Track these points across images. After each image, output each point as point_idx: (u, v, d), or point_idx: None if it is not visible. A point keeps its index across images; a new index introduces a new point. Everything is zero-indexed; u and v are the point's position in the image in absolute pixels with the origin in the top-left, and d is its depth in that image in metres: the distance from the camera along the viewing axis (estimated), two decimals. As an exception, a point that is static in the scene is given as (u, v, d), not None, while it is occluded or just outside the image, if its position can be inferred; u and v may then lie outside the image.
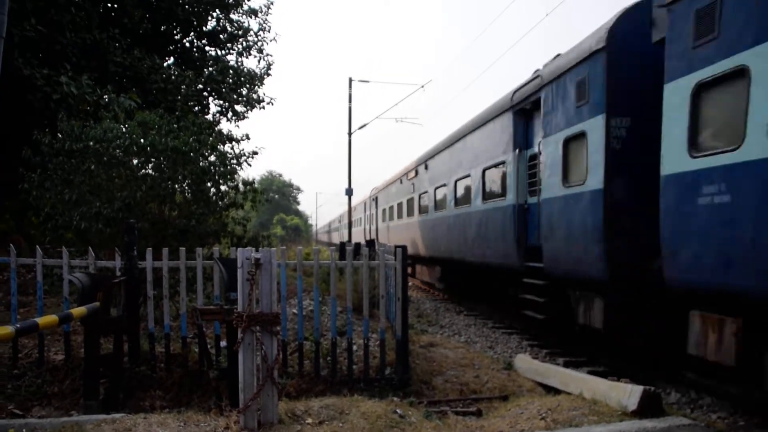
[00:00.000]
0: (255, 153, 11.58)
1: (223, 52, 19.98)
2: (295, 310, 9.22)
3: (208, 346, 6.97)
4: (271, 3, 20.48)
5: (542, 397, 6.24)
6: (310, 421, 4.85)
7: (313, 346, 7.10)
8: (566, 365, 8.19)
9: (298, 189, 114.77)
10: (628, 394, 5.33)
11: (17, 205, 14.33)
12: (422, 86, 26.04)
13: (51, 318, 4.97)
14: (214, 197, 9.90)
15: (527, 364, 7.62)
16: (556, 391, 6.53)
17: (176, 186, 9.36)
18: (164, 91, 15.89)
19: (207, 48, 19.75)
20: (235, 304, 4.84)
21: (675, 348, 6.78)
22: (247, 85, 19.74)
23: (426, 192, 17.81)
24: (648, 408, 5.15)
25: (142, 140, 8.92)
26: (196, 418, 4.85)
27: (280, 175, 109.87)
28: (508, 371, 7.61)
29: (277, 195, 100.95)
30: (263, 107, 20.42)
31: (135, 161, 9.33)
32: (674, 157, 6.09)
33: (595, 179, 7.74)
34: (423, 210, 18.28)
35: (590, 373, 7.29)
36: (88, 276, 6.12)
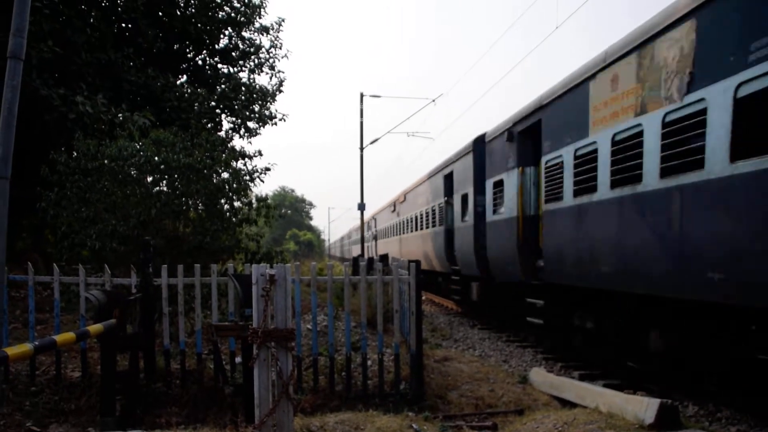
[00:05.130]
0: (268, 169, 11.68)
1: (236, 69, 20.14)
2: (309, 326, 9.24)
3: (224, 363, 7.00)
4: (283, 20, 20.68)
5: (558, 410, 6.20)
6: (325, 436, 4.86)
7: (327, 361, 7.10)
8: (581, 378, 8.13)
9: (311, 204, 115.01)
10: (644, 407, 5.29)
11: (34, 223, 14.50)
12: (433, 100, 26.13)
13: (68, 335, 5.03)
14: (227, 213, 9.97)
15: (542, 377, 7.59)
16: (571, 405, 6.49)
17: (190, 203, 9.45)
18: (178, 108, 16.03)
19: (219, 66, 19.93)
20: (250, 320, 4.87)
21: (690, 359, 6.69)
22: (260, 102, 19.86)
23: None
24: (665, 421, 5.10)
25: (156, 158, 9.03)
26: (212, 435, 4.87)
27: (293, 191, 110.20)
28: (523, 385, 7.58)
29: (290, 210, 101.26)
30: (275, 123, 20.52)
31: (149, 179, 9.44)
32: None
33: None
34: None
35: (606, 386, 7.24)
36: (104, 293, 6.18)
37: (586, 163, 8.25)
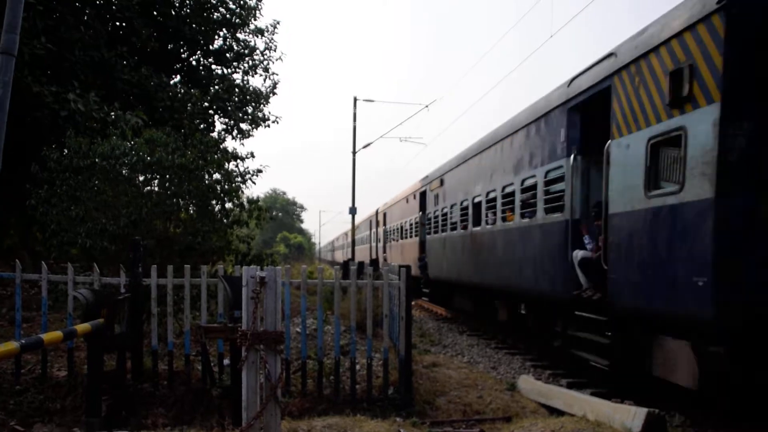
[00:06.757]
0: (259, 171, 11.66)
1: (230, 70, 20.11)
2: (298, 329, 9.21)
3: (212, 364, 6.97)
4: (278, 23, 20.69)
5: (546, 418, 6.21)
6: (312, 440, 4.84)
7: (316, 365, 7.08)
8: (569, 386, 8.14)
9: (302, 207, 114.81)
10: (632, 416, 5.31)
11: (23, 220, 14.39)
12: (426, 106, 26.16)
13: (55, 334, 5.00)
14: (218, 215, 9.94)
15: (530, 385, 7.59)
16: (559, 413, 6.50)
17: (181, 203, 9.41)
18: (171, 108, 15.98)
19: (213, 66, 19.89)
20: (239, 322, 4.85)
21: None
22: (253, 104, 19.86)
23: None
24: (653, 430, 5.12)
25: (148, 157, 9.00)
26: (198, 437, 4.84)
27: (284, 193, 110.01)
28: (512, 392, 7.58)
29: (281, 213, 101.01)
30: (268, 125, 20.52)
31: (141, 178, 9.40)
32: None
33: None
34: None
35: (593, 394, 7.25)
36: (92, 292, 6.13)
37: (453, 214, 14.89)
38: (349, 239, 38.81)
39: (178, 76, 19.20)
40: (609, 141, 7.41)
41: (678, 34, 6.06)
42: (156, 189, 9.43)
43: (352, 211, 28.99)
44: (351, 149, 28.28)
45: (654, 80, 6.47)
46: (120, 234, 8.62)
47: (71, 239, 8.71)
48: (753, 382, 5.73)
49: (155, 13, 17.03)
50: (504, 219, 10.93)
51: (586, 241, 8.26)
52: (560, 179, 8.61)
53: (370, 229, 30.65)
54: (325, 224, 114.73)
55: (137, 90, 15.40)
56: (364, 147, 28.76)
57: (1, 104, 6.01)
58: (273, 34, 20.64)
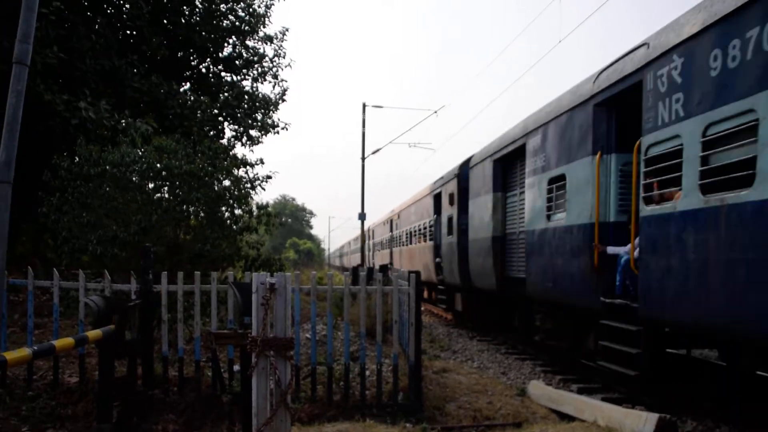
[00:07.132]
0: (269, 177, 11.70)
1: (239, 77, 20.20)
2: (308, 335, 9.22)
3: (222, 370, 6.98)
4: (287, 30, 20.78)
5: (556, 424, 6.18)
6: (322, 446, 4.84)
7: (325, 370, 7.09)
8: (580, 392, 8.11)
9: (311, 213, 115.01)
10: (643, 421, 5.28)
11: (35, 227, 14.50)
12: (435, 112, 26.30)
13: (67, 341, 5.02)
14: (228, 221, 9.97)
15: (541, 390, 7.56)
16: (570, 418, 6.47)
17: (191, 210, 9.45)
18: (181, 116, 16.08)
19: (223, 74, 19.99)
20: (249, 328, 4.86)
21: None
22: (262, 111, 19.93)
23: None
24: (664, 437, 5.09)
25: (158, 164, 9.04)
26: (209, 443, 4.85)
27: (293, 199, 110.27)
28: (522, 398, 7.55)
29: (290, 219, 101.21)
30: (278, 132, 20.58)
31: (151, 185, 9.45)
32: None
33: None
34: None
35: (604, 400, 7.23)
36: (103, 299, 6.16)
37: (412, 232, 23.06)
38: (353, 247, 48.88)
39: (188, 84, 19.32)
40: (442, 213, 16.86)
41: (450, 180, 15.68)
42: (166, 196, 9.48)
43: (361, 216, 29.04)
44: (360, 155, 28.35)
45: (448, 195, 15.93)
46: (130, 241, 8.66)
47: (82, 246, 8.75)
48: (481, 308, 14.61)
49: (165, 21, 17.16)
50: (419, 241, 20.33)
51: (441, 254, 16.96)
52: (433, 225, 17.96)
53: (365, 241, 40.77)
54: (334, 230, 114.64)
55: (147, 98, 15.52)
56: (373, 153, 28.88)
57: (14, 113, 6.07)
58: (282, 41, 20.74)
